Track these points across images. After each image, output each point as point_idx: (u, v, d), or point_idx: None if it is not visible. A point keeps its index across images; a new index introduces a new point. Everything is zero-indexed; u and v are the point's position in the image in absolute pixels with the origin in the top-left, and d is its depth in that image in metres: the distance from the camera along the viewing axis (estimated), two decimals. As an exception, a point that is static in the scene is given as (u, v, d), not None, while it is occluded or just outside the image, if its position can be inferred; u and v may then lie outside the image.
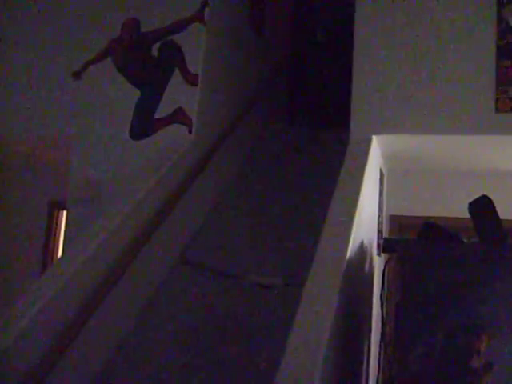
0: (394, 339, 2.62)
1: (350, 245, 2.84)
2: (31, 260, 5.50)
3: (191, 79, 4.25)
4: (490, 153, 4.11)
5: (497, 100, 3.71)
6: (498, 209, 4.16)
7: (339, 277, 2.60)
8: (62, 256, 3.58)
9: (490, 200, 2.73)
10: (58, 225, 5.79)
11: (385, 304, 3.03)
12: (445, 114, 3.76)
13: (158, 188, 3.85)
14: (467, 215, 3.13)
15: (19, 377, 2.57)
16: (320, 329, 2.30)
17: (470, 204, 2.77)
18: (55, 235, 5.77)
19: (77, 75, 4.47)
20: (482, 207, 2.69)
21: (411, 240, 2.98)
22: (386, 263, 2.99)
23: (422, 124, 3.80)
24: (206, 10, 4.29)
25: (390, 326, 2.74)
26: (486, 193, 3.08)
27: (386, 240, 3.25)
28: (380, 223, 4.47)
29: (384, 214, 4.73)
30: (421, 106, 3.79)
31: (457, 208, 3.98)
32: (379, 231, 4.30)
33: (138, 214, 3.63)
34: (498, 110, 3.70)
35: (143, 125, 4.29)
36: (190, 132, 4.21)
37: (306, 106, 6.26)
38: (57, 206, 5.65)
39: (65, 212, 5.39)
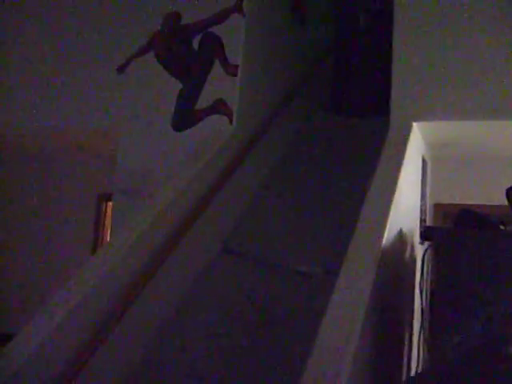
0: (430, 328, 2.61)
1: (386, 233, 2.82)
2: (82, 250, 5.67)
3: (231, 70, 4.28)
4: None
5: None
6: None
7: (374, 265, 2.59)
8: (105, 244, 3.68)
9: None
10: (105, 216, 5.94)
11: (424, 292, 3.01)
12: (487, 100, 3.68)
13: (199, 177, 3.91)
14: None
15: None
16: (352, 317, 2.31)
17: (508, 189, 2.71)
18: (103, 226, 5.93)
19: (121, 69, 4.57)
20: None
21: (446, 227, 2.94)
22: (425, 252, 2.97)
23: (464, 110, 3.72)
24: (245, 0, 4.31)
25: (428, 315, 2.72)
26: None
27: (425, 228, 3.22)
28: (423, 212, 4.42)
29: (428, 202, 4.67)
30: (463, 91, 3.71)
31: (503, 195, 3.92)
32: (422, 220, 4.25)
33: (180, 204, 3.70)
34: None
35: (185, 116, 4.35)
36: (231, 122, 4.24)
37: (352, 94, 6.18)
38: (105, 197, 5.80)
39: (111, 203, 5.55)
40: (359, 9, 6.31)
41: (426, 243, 3.33)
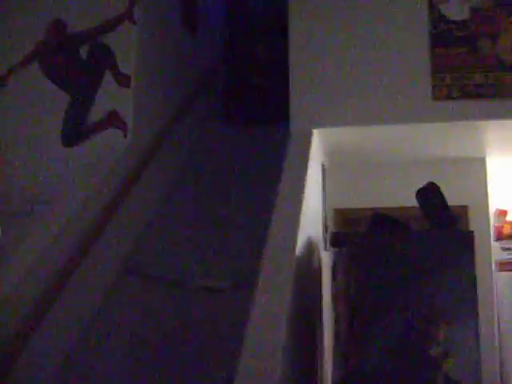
0: (349, 335, 2.56)
1: (299, 241, 2.77)
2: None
3: (123, 81, 4.08)
4: (431, 140, 4.12)
5: (433, 87, 3.73)
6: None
7: (290, 274, 2.52)
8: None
9: (436, 186, 2.72)
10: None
11: (337, 300, 2.97)
12: (383, 105, 3.75)
13: (95, 195, 3.70)
14: (413, 204, 3.14)
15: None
16: (275, 329, 2.22)
17: (418, 191, 2.75)
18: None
19: (2, 81, 4.24)
20: (429, 194, 2.67)
21: (360, 233, 2.94)
22: (336, 258, 2.94)
23: (361, 115, 3.78)
24: (136, 8, 4.14)
25: (344, 322, 2.67)
26: (430, 180, 3.08)
27: (334, 234, 3.19)
28: (325, 218, 4.43)
29: (327, 208, 4.69)
30: (359, 97, 3.77)
31: (403, 197, 4.03)
32: (325, 226, 4.26)
33: (77, 224, 3.47)
34: (435, 98, 3.72)
35: (75, 131, 4.09)
36: (125, 136, 4.04)
37: (243, 102, 6.15)
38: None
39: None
40: (251, 15, 6.34)
41: (333, 249, 3.32)
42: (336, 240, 2.98)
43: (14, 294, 2.92)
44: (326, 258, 3.86)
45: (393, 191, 4.40)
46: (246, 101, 6.11)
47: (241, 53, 6.34)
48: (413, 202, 4.02)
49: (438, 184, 2.83)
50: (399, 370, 2.34)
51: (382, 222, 2.67)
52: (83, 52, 4.15)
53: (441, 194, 2.71)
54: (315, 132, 3.84)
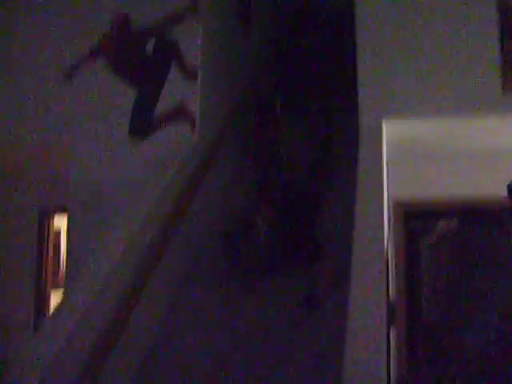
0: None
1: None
2: (24, 269, 5.29)
3: (191, 72, 4.09)
4: (501, 132, 4.07)
5: (504, 80, 3.71)
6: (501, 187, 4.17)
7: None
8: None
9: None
10: (49, 231, 5.56)
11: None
12: (452, 97, 3.75)
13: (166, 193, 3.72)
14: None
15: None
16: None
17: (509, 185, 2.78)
18: (47, 242, 5.54)
19: (68, 76, 4.26)
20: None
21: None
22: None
23: (430, 107, 3.78)
24: (199, 1, 4.13)
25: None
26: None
27: None
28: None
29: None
30: (429, 89, 3.76)
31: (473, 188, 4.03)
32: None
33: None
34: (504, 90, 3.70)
35: (143, 123, 4.11)
36: (193, 129, 4.05)
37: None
38: (49, 211, 5.43)
39: (65, 216, 5.16)
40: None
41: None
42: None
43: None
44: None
45: (461, 183, 4.33)
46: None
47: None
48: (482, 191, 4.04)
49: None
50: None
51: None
52: (149, 46, 4.17)
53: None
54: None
